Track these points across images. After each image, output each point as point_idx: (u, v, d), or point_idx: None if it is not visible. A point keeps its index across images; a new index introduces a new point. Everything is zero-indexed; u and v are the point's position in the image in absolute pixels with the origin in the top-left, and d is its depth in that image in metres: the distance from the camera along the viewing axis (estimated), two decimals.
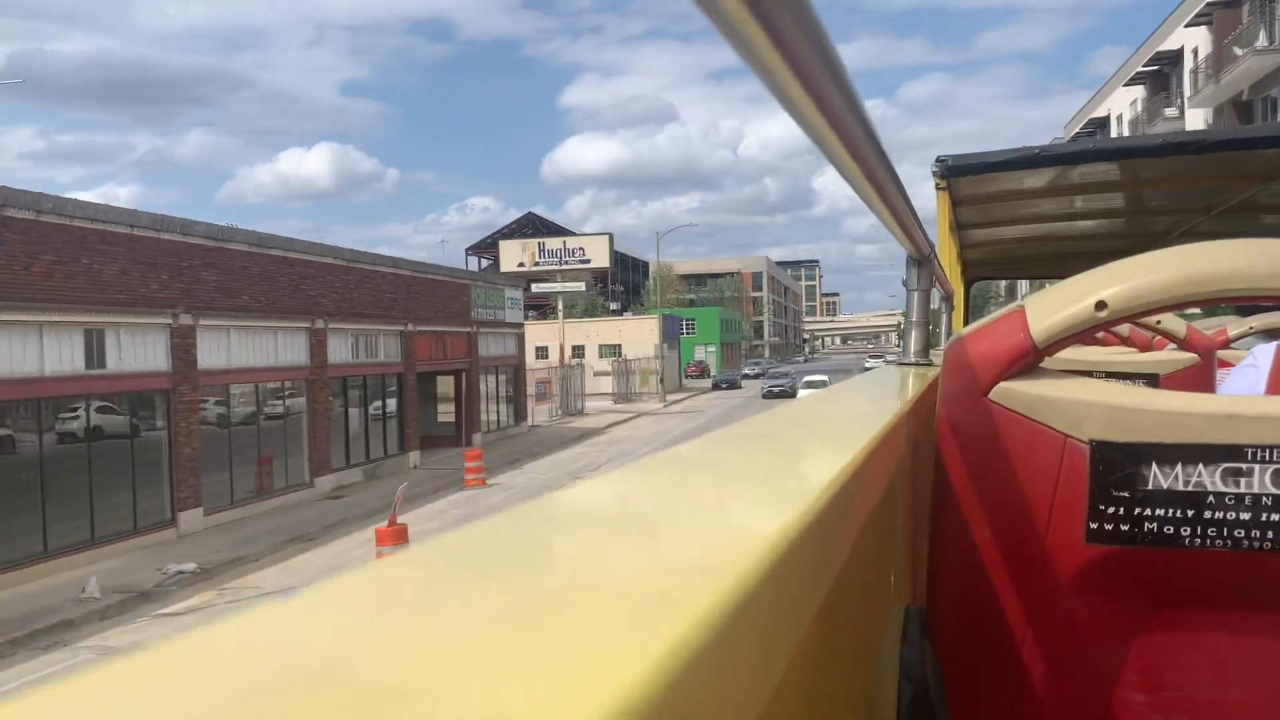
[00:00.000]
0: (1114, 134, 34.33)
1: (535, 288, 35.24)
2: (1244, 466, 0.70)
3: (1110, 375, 1.67)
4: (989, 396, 0.75)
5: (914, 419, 0.81)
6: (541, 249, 39.44)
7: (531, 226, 71.32)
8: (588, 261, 39.06)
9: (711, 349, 64.95)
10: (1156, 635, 0.75)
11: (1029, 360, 0.76)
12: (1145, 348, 1.90)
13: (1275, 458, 0.69)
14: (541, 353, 40.17)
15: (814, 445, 0.58)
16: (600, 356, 42.56)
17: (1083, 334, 0.75)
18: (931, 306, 1.64)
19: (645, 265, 76.51)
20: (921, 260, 1.53)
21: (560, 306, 38.93)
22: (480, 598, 0.25)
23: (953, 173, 3.15)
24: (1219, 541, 0.71)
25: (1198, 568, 0.72)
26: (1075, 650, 0.76)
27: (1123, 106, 35.12)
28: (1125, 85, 33.78)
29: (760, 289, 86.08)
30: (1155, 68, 30.46)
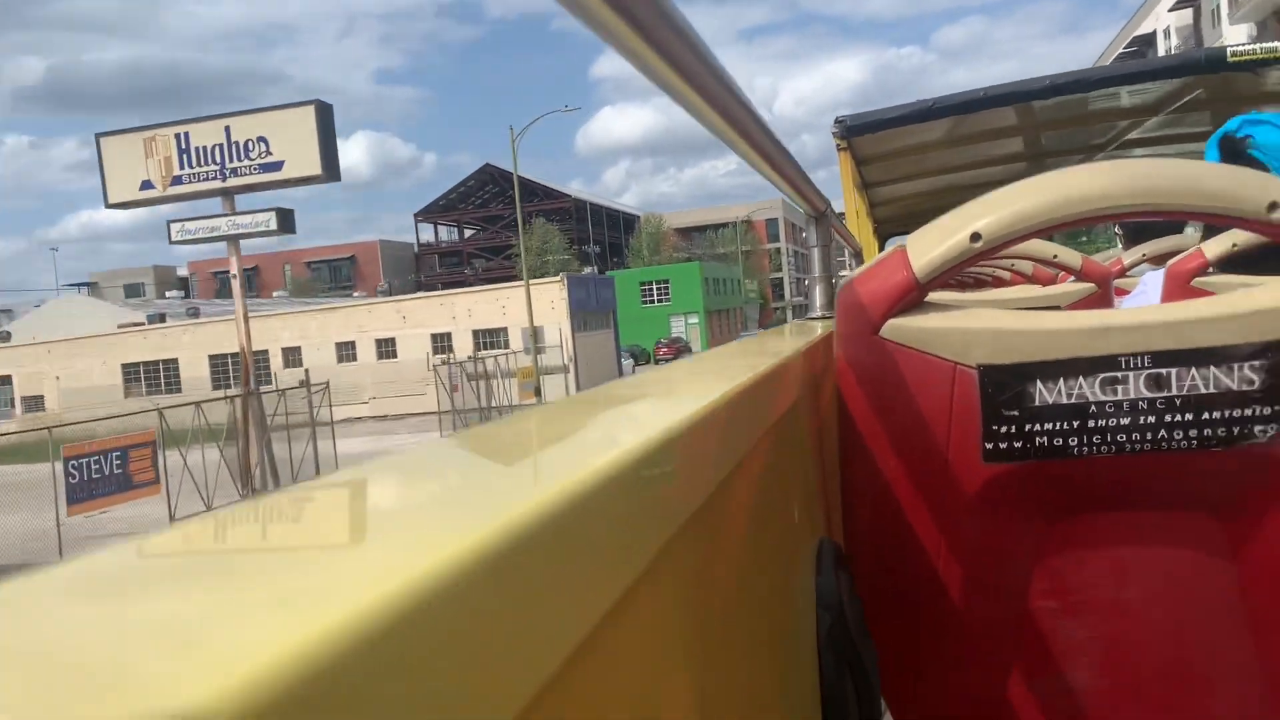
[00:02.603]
0: (1161, 50, 33.16)
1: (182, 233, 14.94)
2: (1119, 375, 0.73)
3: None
4: (880, 334, 0.78)
5: (810, 363, 0.83)
6: (184, 148, 15.07)
7: (491, 179, 59.42)
8: (277, 166, 14.93)
9: (693, 320, 47.15)
10: (1058, 543, 0.80)
11: (914, 296, 0.78)
12: (1049, 283, 1.96)
13: (1146, 364, 0.73)
14: (347, 350, 28.98)
15: (670, 394, 0.58)
16: (480, 345, 27.53)
17: (963, 264, 0.78)
18: (840, 263, 1.62)
19: (632, 220, 62.29)
20: (819, 217, 1.59)
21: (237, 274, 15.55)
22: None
23: (852, 132, 3.15)
24: (1103, 448, 0.75)
25: (1088, 475, 0.76)
26: (984, 565, 0.80)
27: (1169, 21, 33.88)
28: (1170, 10, 32.96)
29: (778, 239, 62.70)
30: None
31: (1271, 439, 0.73)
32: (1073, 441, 0.75)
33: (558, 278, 30.82)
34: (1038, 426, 0.75)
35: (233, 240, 15.51)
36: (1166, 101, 3.54)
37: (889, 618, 0.84)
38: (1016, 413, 0.75)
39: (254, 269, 58.94)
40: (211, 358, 29.81)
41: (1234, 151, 1.70)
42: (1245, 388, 0.72)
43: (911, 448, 0.79)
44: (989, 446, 0.76)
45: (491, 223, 60.72)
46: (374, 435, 22.18)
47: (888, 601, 0.84)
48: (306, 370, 18.22)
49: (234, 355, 20.48)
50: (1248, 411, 0.73)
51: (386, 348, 29.67)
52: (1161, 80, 3.27)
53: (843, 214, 3.55)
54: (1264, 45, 2.88)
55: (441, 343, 28.70)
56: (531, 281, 28.01)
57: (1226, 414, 0.73)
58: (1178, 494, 0.78)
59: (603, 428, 0.45)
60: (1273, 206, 0.71)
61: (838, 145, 3.20)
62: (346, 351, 29.79)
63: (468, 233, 62.66)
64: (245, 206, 15.04)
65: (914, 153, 4.06)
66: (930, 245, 0.79)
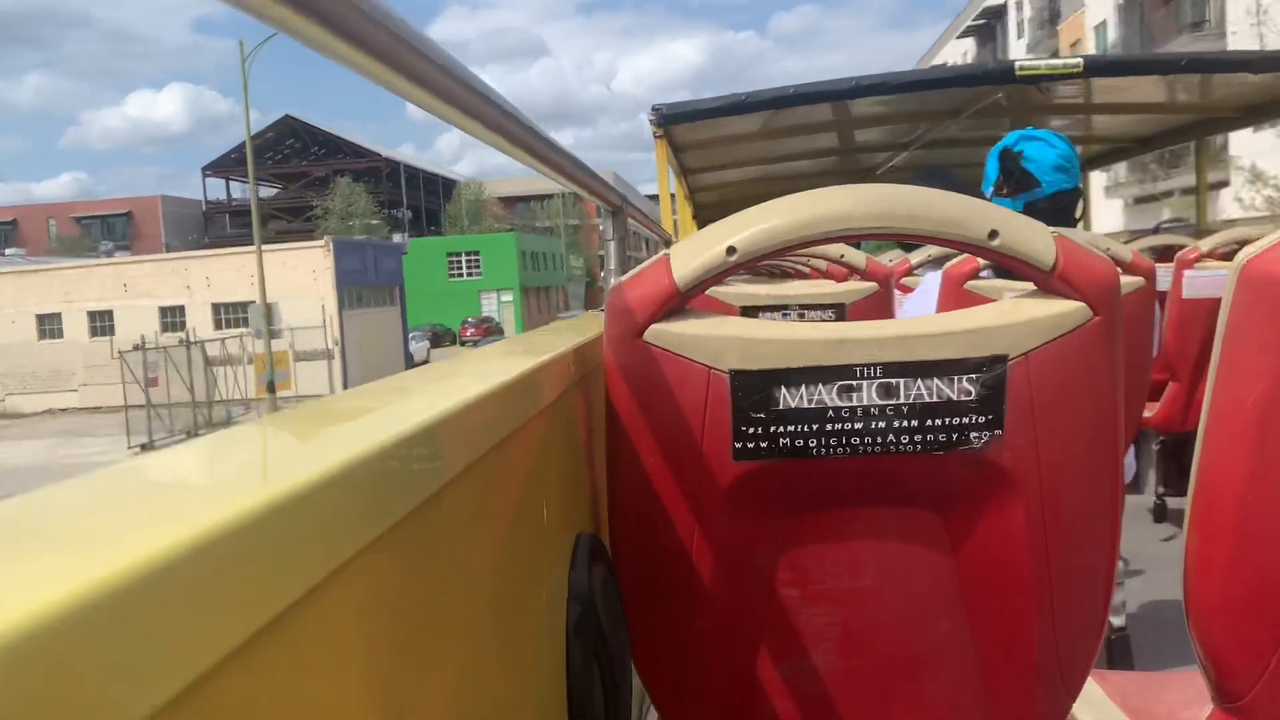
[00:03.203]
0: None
1: None
2: (854, 383, 0.80)
3: (804, 308, 1.86)
4: (643, 338, 0.82)
5: (582, 360, 0.87)
6: None
7: (292, 133, 53.04)
8: None
9: (507, 297, 41.71)
10: (800, 537, 0.86)
11: (675, 303, 0.82)
12: (843, 280, 2.06)
13: (878, 374, 0.80)
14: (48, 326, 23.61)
15: (428, 389, 0.60)
16: (222, 323, 22.89)
17: (721, 274, 0.82)
18: (636, 254, 1.72)
19: (450, 185, 55.16)
20: (615, 211, 1.64)
21: None
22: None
23: (668, 120, 3.22)
24: (840, 449, 0.81)
25: (827, 474, 0.82)
26: (734, 557, 0.85)
27: (954, 56, 34.97)
28: (958, 38, 34.35)
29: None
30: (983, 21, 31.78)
31: (985, 444, 0.80)
32: (813, 443, 0.80)
33: (321, 241, 23.88)
34: (782, 429, 0.80)
35: None
36: (965, 106, 3.78)
37: (647, 607, 0.89)
38: (763, 415, 0.80)
39: (11, 222, 50.96)
40: None
41: (1010, 165, 1.85)
42: (964, 398, 0.80)
43: (670, 446, 0.82)
44: (738, 446, 0.81)
45: (292, 180, 53.68)
46: (66, 436, 18.05)
47: (646, 591, 0.88)
48: None
49: None
50: (966, 419, 0.80)
51: (102, 322, 23.66)
52: (959, 87, 3.50)
53: (655, 195, 3.61)
54: (1048, 62, 3.12)
55: (172, 317, 23.39)
56: (287, 245, 22.92)
57: (947, 421, 0.80)
58: (906, 493, 0.85)
59: (309, 433, 0.45)
60: (992, 234, 0.79)
61: (655, 133, 3.26)
62: (51, 326, 24.05)
63: (268, 192, 54.37)
64: None
65: (732, 143, 4.16)
66: (691, 256, 0.82)
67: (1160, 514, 3.36)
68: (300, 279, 22.62)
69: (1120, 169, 22.20)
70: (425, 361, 28.25)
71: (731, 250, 0.81)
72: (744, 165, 4.85)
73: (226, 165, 52.85)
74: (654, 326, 0.82)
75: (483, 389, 0.54)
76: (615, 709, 0.82)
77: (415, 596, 0.44)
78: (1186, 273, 2.88)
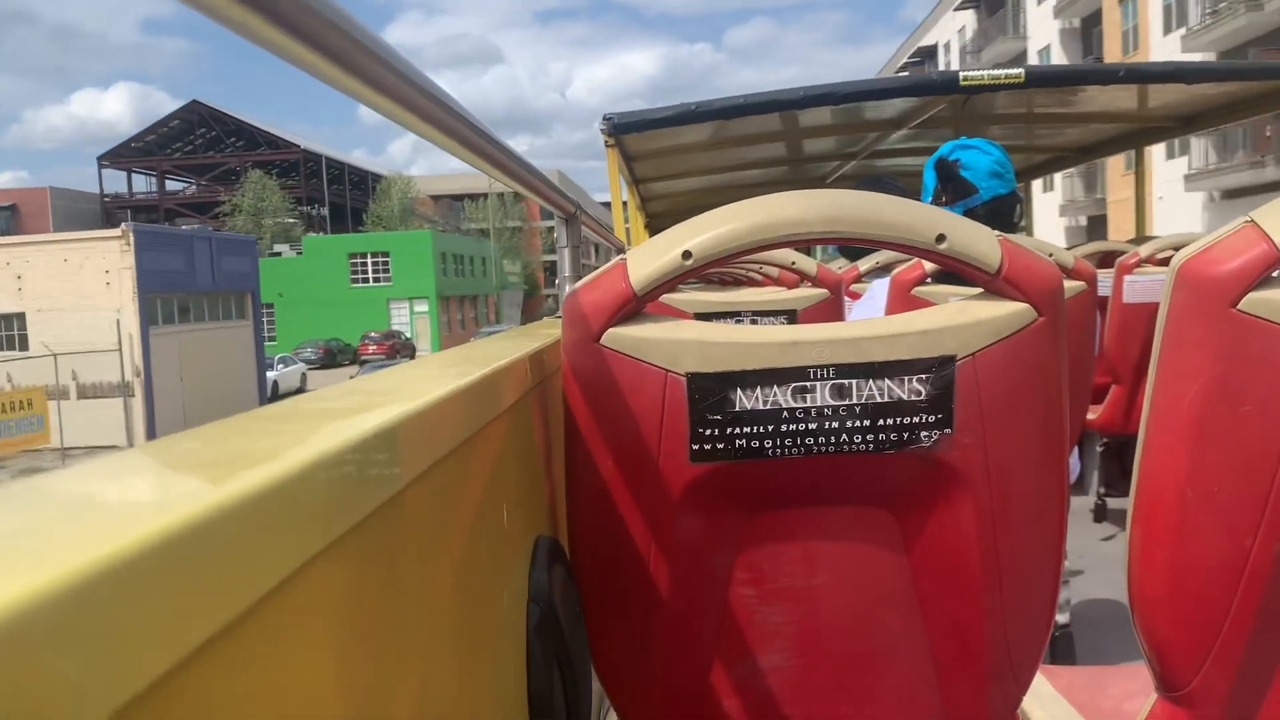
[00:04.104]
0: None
1: None
2: (808, 384, 0.81)
3: (757, 314, 1.89)
4: (600, 342, 0.82)
5: (540, 368, 0.87)
6: None
7: (205, 124, 47.21)
8: None
9: (422, 307, 35.47)
10: (756, 536, 0.87)
11: (631, 306, 0.83)
12: (794, 287, 2.08)
13: (831, 375, 0.81)
14: None
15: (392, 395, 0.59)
16: None
17: (678, 278, 0.83)
18: (589, 262, 1.74)
19: (374, 179, 49.41)
20: (569, 219, 1.66)
21: None
22: None
23: (619, 130, 3.21)
24: (795, 450, 0.82)
25: (783, 475, 0.83)
26: (691, 557, 0.86)
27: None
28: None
29: (554, 217, 47.31)
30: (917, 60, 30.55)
31: (935, 443, 0.82)
32: (769, 444, 0.82)
33: (117, 230, 16.70)
34: (738, 430, 0.81)
35: None
36: (910, 117, 3.87)
37: (605, 608, 0.89)
38: (719, 417, 0.81)
39: None
40: None
41: (947, 173, 1.88)
42: (914, 398, 0.81)
43: (627, 448, 0.83)
44: (695, 448, 0.82)
45: (200, 172, 48.28)
46: None
47: (605, 593, 0.89)
48: None
49: None
50: (916, 419, 0.82)
51: None
52: (904, 97, 3.56)
53: (608, 203, 3.57)
54: (990, 72, 3.17)
55: None
56: (72, 237, 15.77)
57: (899, 421, 0.82)
58: (859, 492, 0.86)
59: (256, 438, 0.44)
60: (940, 238, 0.81)
61: (606, 142, 3.24)
62: None
63: (176, 185, 49.59)
64: None
65: (683, 152, 4.15)
66: (647, 261, 0.83)
67: (1101, 514, 3.44)
68: (89, 284, 16.07)
69: (1208, 150, 18.07)
70: (299, 390, 21.78)
71: (687, 254, 0.82)
72: (695, 175, 4.82)
73: (127, 155, 47.25)
74: (611, 330, 0.83)
75: (442, 392, 0.55)
76: (575, 709, 0.82)
77: (377, 598, 0.45)
78: (1127, 278, 2.97)
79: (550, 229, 48.53)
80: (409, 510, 0.49)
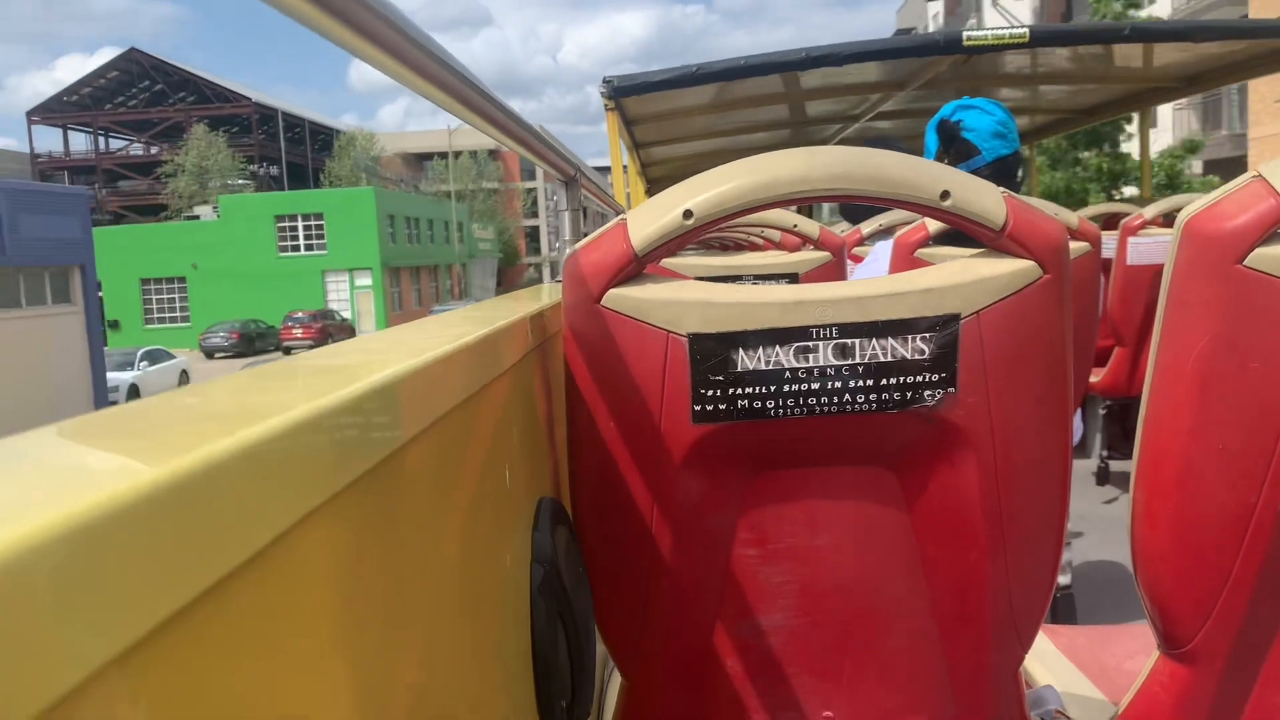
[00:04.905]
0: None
1: None
2: (811, 344, 0.80)
3: (759, 277, 1.87)
4: (601, 303, 0.82)
5: (541, 329, 0.86)
6: None
7: (147, 75, 41.42)
8: None
9: (364, 280, 29.43)
10: (759, 497, 0.87)
11: (632, 268, 0.82)
12: (796, 250, 2.06)
13: (834, 334, 0.80)
14: None
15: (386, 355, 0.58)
16: None
17: (680, 238, 0.82)
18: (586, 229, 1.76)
19: (332, 135, 43.72)
20: (569, 181, 1.64)
21: None
22: None
23: (619, 93, 3.17)
24: (797, 410, 0.82)
25: (785, 435, 0.83)
26: (694, 518, 0.86)
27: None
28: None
29: (535, 177, 43.04)
30: None
31: (939, 402, 0.82)
32: (770, 404, 0.81)
33: None
34: (740, 390, 0.81)
35: None
36: (913, 78, 3.85)
37: (608, 569, 0.89)
38: (721, 378, 0.81)
39: None
40: None
41: (949, 134, 1.87)
42: (917, 357, 0.81)
43: (629, 410, 0.83)
44: (697, 409, 0.81)
45: (142, 129, 42.66)
46: None
47: (607, 554, 0.89)
48: None
49: None
50: (919, 378, 0.81)
51: None
52: (908, 58, 3.54)
53: (602, 169, 3.61)
54: (994, 31, 3.14)
55: None
56: None
57: (902, 380, 0.81)
58: (861, 451, 0.86)
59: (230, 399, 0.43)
60: (944, 195, 0.80)
61: (606, 105, 3.21)
62: None
63: (118, 143, 44.40)
64: None
65: (684, 115, 4.11)
66: (648, 221, 0.82)
67: (1103, 477, 3.45)
68: None
69: None
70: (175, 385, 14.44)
71: (689, 214, 0.81)
72: (696, 138, 4.78)
73: (59, 110, 41.49)
74: (612, 292, 0.82)
75: (443, 350, 0.55)
76: (580, 669, 0.83)
77: (378, 555, 0.44)
78: (1131, 239, 2.95)
79: (530, 190, 44.49)
80: (410, 468, 0.48)
